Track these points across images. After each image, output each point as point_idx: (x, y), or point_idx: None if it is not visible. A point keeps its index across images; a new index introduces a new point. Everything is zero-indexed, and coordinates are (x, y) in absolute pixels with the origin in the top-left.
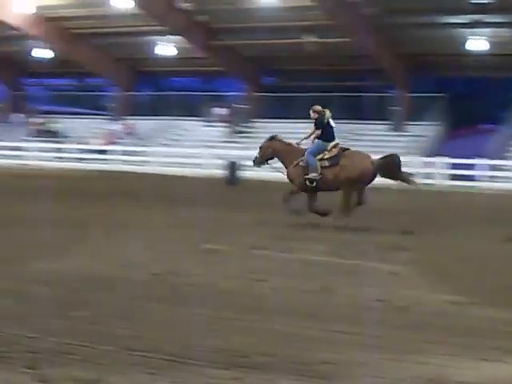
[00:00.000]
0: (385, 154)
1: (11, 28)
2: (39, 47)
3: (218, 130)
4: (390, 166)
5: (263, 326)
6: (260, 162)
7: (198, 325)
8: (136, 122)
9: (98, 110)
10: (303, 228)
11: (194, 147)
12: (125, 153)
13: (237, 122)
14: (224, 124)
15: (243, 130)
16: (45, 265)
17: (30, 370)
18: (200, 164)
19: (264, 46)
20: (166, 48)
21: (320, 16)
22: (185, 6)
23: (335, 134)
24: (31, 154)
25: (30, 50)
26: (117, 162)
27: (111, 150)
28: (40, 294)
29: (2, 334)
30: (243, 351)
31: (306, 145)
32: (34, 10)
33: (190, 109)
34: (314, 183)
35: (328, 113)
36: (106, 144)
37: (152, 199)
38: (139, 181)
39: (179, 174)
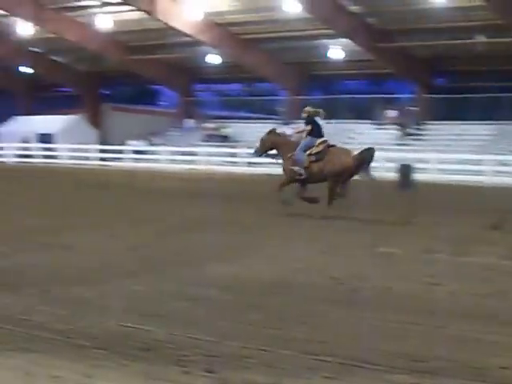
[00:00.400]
0: (362, 149)
1: (182, 35)
2: (209, 53)
3: (389, 133)
4: (365, 160)
5: (439, 330)
6: (260, 152)
7: (374, 328)
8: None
9: (268, 114)
10: (477, 230)
11: None
12: None
13: (408, 124)
14: (395, 126)
15: (414, 132)
16: (220, 268)
17: (209, 374)
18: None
19: (433, 47)
20: (335, 51)
21: (490, 16)
22: (353, 8)
23: (323, 131)
24: (202, 158)
25: (200, 56)
26: None
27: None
28: (217, 298)
29: (182, 338)
30: (420, 355)
31: (298, 138)
32: (202, 17)
33: (361, 111)
34: (302, 175)
35: (321, 112)
36: None
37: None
38: None
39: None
